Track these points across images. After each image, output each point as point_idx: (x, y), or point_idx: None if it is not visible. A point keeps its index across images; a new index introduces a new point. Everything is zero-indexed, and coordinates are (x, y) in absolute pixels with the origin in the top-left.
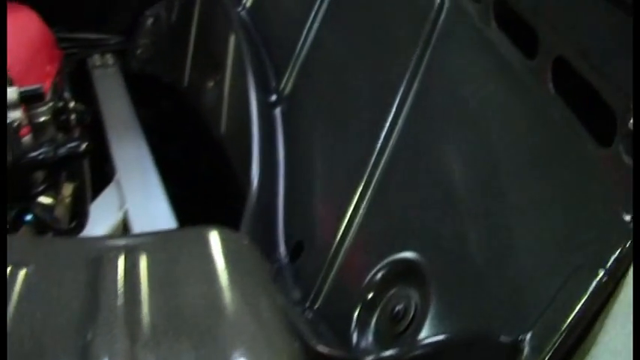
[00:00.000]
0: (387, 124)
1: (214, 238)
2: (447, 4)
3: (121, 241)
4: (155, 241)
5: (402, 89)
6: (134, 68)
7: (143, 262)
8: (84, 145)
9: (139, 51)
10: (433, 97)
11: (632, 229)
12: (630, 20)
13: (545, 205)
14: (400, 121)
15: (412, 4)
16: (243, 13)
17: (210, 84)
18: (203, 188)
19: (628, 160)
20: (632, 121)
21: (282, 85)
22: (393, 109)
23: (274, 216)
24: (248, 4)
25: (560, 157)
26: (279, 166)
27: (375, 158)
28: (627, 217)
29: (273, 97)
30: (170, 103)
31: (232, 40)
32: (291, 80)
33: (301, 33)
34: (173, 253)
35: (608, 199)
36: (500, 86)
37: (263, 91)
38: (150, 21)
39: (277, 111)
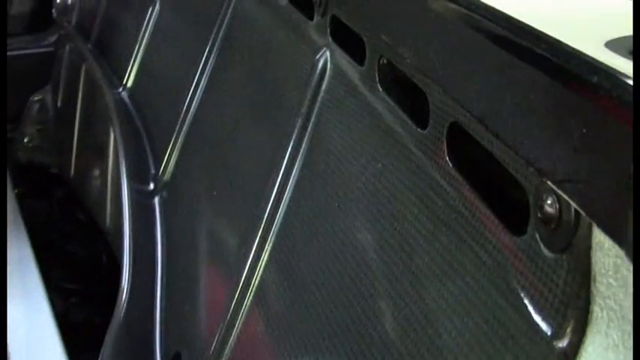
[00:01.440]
0: (269, 208)
1: None
2: (329, 68)
3: None
4: None
5: (284, 165)
6: (22, 158)
7: None
8: None
9: (26, 139)
10: (317, 175)
11: (559, 351)
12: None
13: (456, 318)
14: (284, 203)
15: (294, 70)
16: (123, 93)
17: (96, 173)
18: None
19: (548, 252)
20: (549, 203)
21: (160, 171)
22: (274, 191)
23: (149, 325)
24: (129, 84)
25: (466, 251)
26: (157, 265)
27: (257, 248)
28: (550, 334)
29: (151, 186)
30: (63, 193)
31: (110, 125)
32: (171, 164)
33: (180, 113)
34: None
35: (522, 312)
36: (391, 161)
37: (139, 181)
38: (36, 107)
39: (156, 200)
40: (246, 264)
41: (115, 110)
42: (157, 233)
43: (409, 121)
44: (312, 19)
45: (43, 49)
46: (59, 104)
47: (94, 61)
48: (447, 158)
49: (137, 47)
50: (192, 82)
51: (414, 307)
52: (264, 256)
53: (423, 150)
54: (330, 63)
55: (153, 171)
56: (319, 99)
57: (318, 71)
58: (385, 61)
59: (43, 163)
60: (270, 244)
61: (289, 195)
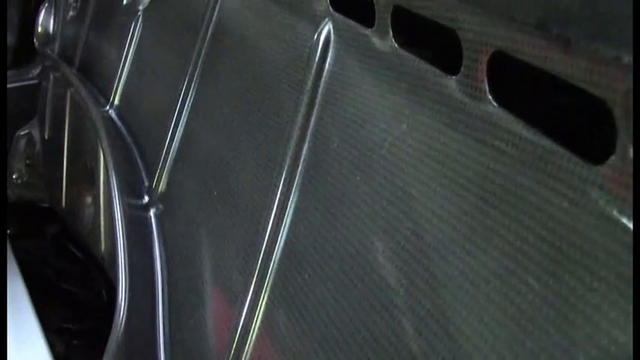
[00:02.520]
0: (273, 214)
1: None
2: (332, 40)
3: None
4: None
5: (287, 159)
6: (11, 196)
7: None
8: None
9: (14, 176)
10: (330, 156)
11: None
12: None
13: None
14: (290, 206)
15: (293, 51)
16: (111, 111)
17: (88, 200)
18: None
19: None
20: None
21: (154, 183)
22: (279, 192)
23: (151, 346)
24: (116, 102)
25: (524, 207)
26: (156, 283)
27: (266, 248)
28: None
29: (145, 199)
30: (56, 229)
31: (99, 143)
32: (165, 175)
33: (170, 122)
34: None
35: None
36: (418, 119)
37: (132, 195)
38: (23, 142)
39: (151, 213)
40: (250, 286)
41: (102, 126)
42: (154, 247)
43: (436, 70)
44: None
45: (27, 82)
46: (46, 136)
47: (79, 83)
48: (491, 97)
49: (122, 64)
50: (182, 90)
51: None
52: (270, 277)
53: (458, 97)
54: (334, 34)
55: (146, 184)
56: (325, 75)
57: (320, 45)
58: (395, 16)
59: (33, 199)
60: (276, 262)
61: (296, 195)
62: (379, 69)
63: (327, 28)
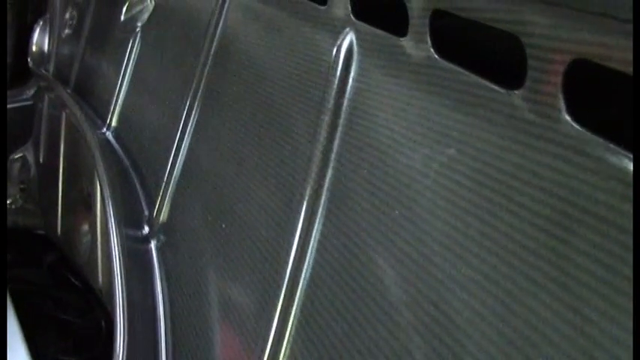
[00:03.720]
0: (294, 252)
1: None
2: (356, 51)
3: None
4: None
5: (309, 187)
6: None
7: None
8: None
9: (9, 202)
10: (359, 187)
11: None
12: None
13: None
14: (316, 235)
15: (309, 66)
16: (108, 133)
17: (84, 227)
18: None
19: None
20: None
21: (155, 213)
22: (299, 225)
23: None
24: (113, 123)
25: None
26: (159, 322)
27: (287, 290)
28: None
29: (145, 230)
30: (53, 257)
31: (95, 167)
32: (167, 204)
33: (172, 146)
34: None
35: None
36: (471, 142)
37: (131, 225)
38: (17, 166)
39: (152, 245)
40: (270, 331)
41: (98, 149)
42: (156, 284)
43: (491, 84)
44: (324, 2)
45: (21, 104)
46: (41, 160)
47: (74, 104)
48: (568, 116)
49: (119, 84)
50: (184, 112)
51: None
52: (294, 320)
53: (523, 116)
54: (358, 45)
55: (146, 213)
56: (348, 91)
57: (342, 58)
58: (434, 22)
59: (28, 225)
60: (299, 308)
61: (319, 229)
62: (415, 84)
63: (348, 38)
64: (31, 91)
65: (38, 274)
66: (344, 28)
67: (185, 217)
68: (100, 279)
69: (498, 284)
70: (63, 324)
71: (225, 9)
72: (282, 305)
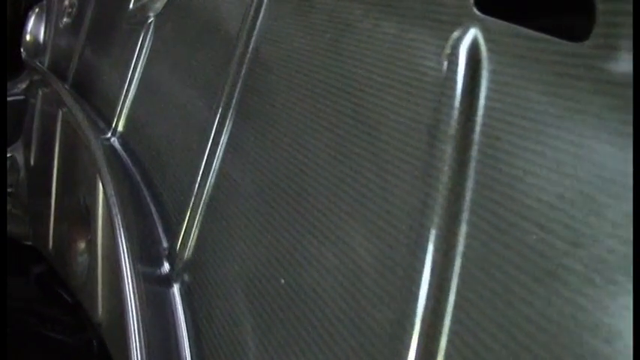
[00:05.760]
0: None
1: None
2: (484, 49)
3: None
4: None
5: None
6: None
7: None
8: None
9: None
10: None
11: None
12: None
13: None
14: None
15: (412, 75)
16: (114, 140)
17: (81, 246)
18: None
19: None
20: None
21: (179, 246)
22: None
23: None
24: (120, 128)
25: None
26: None
27: None
28: None
29: (165, 267)
30: (41, 269)
31: (99, 180)
32: (194, 235)
33: (199, 158)
34: None
35: None
36: None
37: (147, 260)
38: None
39: (175, 289)
40: None
41: (104, 160)
42: (181, 341)
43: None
44: None
45: (11, 98)
46: (32, 163)
47: (74, 103)
48: None
49: (128, 83)
50: (215, 119)
51: None
52: None
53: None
54: (485, 45)
55: (165, 245)
56: (478, 113)
57: (462, 65)
58: None
59: (16, 233)
60: None
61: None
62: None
63: (468, 37)
64: (23, 85)
65: (24, 288)
66: (460, 25)
67: (217, 252)
68: (100, 311)
69: None
70: (50, 343)
71: None
72: None
